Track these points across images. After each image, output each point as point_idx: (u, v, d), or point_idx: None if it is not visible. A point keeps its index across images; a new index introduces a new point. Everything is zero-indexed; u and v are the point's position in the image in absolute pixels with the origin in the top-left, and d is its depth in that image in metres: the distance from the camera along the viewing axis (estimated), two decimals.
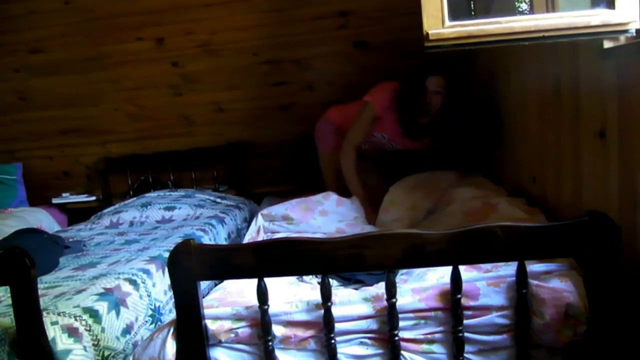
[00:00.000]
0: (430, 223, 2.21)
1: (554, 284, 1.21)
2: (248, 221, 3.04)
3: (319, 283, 1.23)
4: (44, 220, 3.35)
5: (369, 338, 1.26)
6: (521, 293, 1.19)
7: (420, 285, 1.32)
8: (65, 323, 1.62)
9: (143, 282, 2.03)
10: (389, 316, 1.21)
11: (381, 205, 2.43)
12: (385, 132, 2.74)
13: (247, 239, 2.23)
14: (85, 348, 1.61)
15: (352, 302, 1.27)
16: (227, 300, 1.46)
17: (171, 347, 1.26)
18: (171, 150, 3.62)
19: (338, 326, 1.24)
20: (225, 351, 1.29)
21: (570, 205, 1.68)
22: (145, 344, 1.31)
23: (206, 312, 1.28)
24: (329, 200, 2.42)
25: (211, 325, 1.28)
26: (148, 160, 3.64)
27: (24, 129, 3.76)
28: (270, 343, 1.24)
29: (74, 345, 1.59)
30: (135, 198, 3.37)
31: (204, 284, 1.57)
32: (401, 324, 1.22)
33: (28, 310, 1.45)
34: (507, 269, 1.32)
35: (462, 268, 1.23)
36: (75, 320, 1.65)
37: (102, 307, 1.77)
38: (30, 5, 3.58)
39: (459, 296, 1.19)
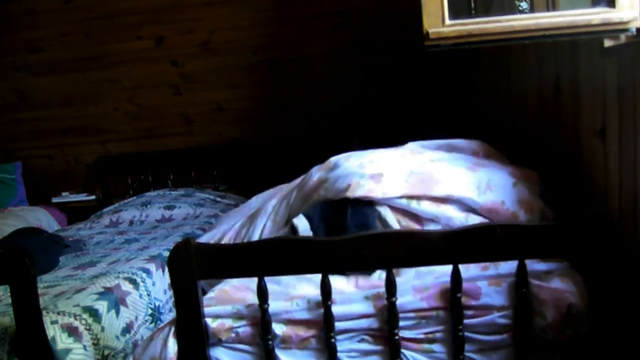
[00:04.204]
0: None
1: (555, 284, 1.21)
2: None
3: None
4: (43, 219, 3.35)
5: (370, 336, 1.26)
6: (521, 292, 1.19)
7: (422, 283, 1.31)
8: (65, 322, 1.62)
9: (143, 281, 2.03)
10: (389, 315, 1.21)
11: None
12: None
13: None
14: (85, 347, 1.61)
15: (353, 301, 1.27)
16: (227, 298, 1.46)
17: (173, 347, 1.26)
18: (171, 150, 3.62)
19: (338, 325, 1.24)
20: (226, 351, 1.29)
21: (570, 205, 1.68)
22: (146, 344, 1.31)
23: (206, 310, 1.28)
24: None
25: (211, 323, 1.28)
26: (148, 160, 3.63)
27: (24, 128, 3.75)
28: (270, 342, 1.24)
29: (74, 345, 1.59)
30: (135, 197, 3.37)
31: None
32: (402, 323, 1.22)
33: (28, 310, 1.45)
34: (507, 266, 1.32)
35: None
36: (75, 319, 1.65)
37: (102, 306, 1.77)
38: (30, 4, 3.58)
39: (459, 295, 1.19)
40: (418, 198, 1.59)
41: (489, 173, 1.65)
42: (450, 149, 1.90)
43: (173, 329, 1.28)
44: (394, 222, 1.57)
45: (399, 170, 1.65)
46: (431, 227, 1.57)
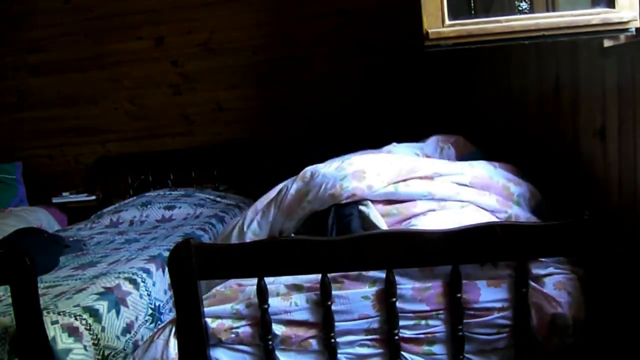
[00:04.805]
0: None
1: (548, 289, 1.21)
2: None
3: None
4: (44, 219, 3.35)
5: (370, 340, 1.26)
6: (521, 292, 1.19)
7: (422, 285, 1.30)
8: (66, 322, 1.62)
9: (143, 282, 2.04)
10: (389, 316, 1.21)
11: None
12: None
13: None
14: (85, 347, 1.62)
15: (353, 301, 1.27)
16: (224, 298, 1.45)
17: (174, 347, 1.26)
18: (171, 150, 3.62)
19: (338, 325, 1.24)
20: (227, 352, 1.29)
21: (570, 205, 1.68)
22: (146, 346, 1.31)
23: (206, 309, 1.28)
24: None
25: (211, 323, 1.28)
26: (148, 160, 3.64)
27: (24, 128, 3.75)
28: (270, 343, 1.24)
29: (74, 345, 1.59)
30: (135, 197, 3.37)
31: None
32: (401, 322, 1.22)
33: (28, 310, 1.45)
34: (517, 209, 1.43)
35: (474, 214, 1.34)
36: (76, 319, 1.65)
37: (102, 306, 1.77)
38: (30, 4, 3.58)
39: (458, 295, 1.19)
40: (405, 180, 1.53)
41: (470, 160, 1.70)
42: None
43: (174, 330, 1.28)
44: (379, 220, 1.49)
45: (380, 165, 1.59)
46: (424, 203, 1.51)
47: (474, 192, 1.53)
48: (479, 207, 1.53)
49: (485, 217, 1.48)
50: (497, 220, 1.48)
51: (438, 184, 1.54)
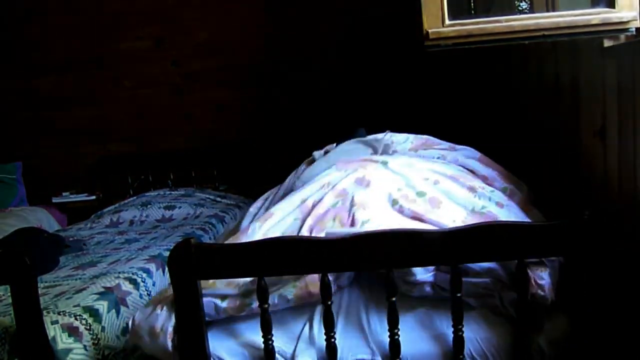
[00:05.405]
0: None
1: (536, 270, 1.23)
2: None
3: None
4: (44, 219, 3.35)
5: None
6: (521, 292, 1.19)
7: None
8: (66, 322, 1.63)
9: (143, 281, 2.04)
10: (389, 315, 1.21)
11: None
12: None
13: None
14: (85, 347, 1.62)
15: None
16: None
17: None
18: (171, 150, 3.62)
19: None
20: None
21: (570, 205, 1.68)
22: (148, 312, 1.32)
23: (210, 290, 1.28)
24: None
25: (221, 303, 1.28)
26: (148, 160, 3.64)
27: (24, 128, 3.75)
28: (270, 342, 1.24)
29: (74, 345, 1.59)
30: (135, 197, 3.38)
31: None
32: None
33: (28, 310, 1.45)
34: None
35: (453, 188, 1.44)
36: (76, 319, 1.65)
37: (102, 306, 1.77)
38: (30, 4, 3.58)
39: (459, 295, 1.19)
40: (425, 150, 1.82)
41: None
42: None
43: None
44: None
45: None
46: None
47: (478, 163, 1.69)
48: (476, 173, 1.65)
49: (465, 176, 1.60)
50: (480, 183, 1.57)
51: (451, 151, 1.79)
